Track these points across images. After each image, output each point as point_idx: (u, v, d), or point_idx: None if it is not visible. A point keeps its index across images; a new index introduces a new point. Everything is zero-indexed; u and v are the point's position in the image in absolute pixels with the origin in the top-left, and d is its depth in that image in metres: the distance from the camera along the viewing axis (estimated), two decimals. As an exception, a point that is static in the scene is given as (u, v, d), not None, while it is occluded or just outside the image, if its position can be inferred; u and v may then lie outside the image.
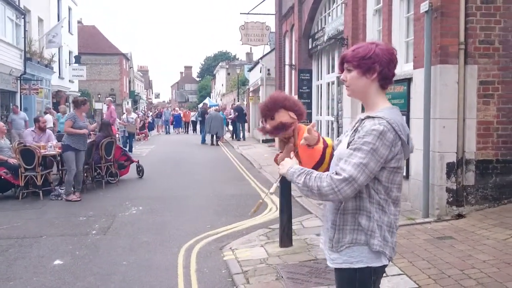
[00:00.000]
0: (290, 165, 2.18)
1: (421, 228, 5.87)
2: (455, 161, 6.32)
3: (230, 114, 25.43)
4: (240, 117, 24.69)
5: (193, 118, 33.62)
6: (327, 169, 2.27)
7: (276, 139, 15.74)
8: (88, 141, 9.48)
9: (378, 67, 2.09)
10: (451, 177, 6.33)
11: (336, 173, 1.98)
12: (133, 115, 19.43)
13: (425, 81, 6.32)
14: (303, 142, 2.25)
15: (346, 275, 2.15)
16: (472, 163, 6.39)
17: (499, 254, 4.70)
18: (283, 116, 2.28)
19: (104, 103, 17.55)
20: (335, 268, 2.21)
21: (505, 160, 6.44)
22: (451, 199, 6.34)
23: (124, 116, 18.66)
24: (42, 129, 9.86)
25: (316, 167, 2.28)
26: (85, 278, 4.79)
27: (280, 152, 2.41)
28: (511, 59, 6.38)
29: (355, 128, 2.08)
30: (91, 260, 5.37)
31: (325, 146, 2.31)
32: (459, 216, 6.27)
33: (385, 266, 2.17)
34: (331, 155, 2.29)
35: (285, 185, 5.51)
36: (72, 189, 8.68)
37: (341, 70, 2.20)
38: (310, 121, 11.40)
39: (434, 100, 6.30)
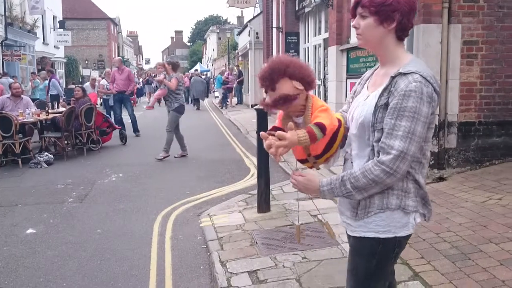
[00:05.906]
0: (315, 184, 1.90)
1: (401, 191, 5.79)
2: (437, 123, 6.21)
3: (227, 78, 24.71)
4: (241, 81, 24.52)
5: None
6: (336, 150, 2.04)
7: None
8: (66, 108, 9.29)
9: (398, 16, 1.83)
10: (432, 140, 6.22)
11: (384, 153, 1.75)
12: None
13: (407, 41, 6.11)
14: None
15: (368, 245, 1.93)
16: (454, 125, 6.28)
17: (475, 217, 4.64)
18: (285, 86, 1.86)
19: (114, 65, 13.67)
20: (354, 236, 1.98)
21: (487, 122, 6.34)
22: (433, 162, 6.27)
23: (104, 81, 16.29)
24: (17, 96, 9.59)
25: (326, 149, 2.00)
26: (57, 247, 4.70)
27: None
28: (496, 17, 6.19)
29: (385, 87, 1.82)
30: (65, 228, 5.28)
31: (339, 125, 1.99)
32: (440, 179, 6.21)
33: (409, 236, 1.94)
34: (344, 136, 2.04)
35: (263, 150, 5.37)
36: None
37: (353, 15, 1.92)
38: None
39: (417, 61, 6.12)
